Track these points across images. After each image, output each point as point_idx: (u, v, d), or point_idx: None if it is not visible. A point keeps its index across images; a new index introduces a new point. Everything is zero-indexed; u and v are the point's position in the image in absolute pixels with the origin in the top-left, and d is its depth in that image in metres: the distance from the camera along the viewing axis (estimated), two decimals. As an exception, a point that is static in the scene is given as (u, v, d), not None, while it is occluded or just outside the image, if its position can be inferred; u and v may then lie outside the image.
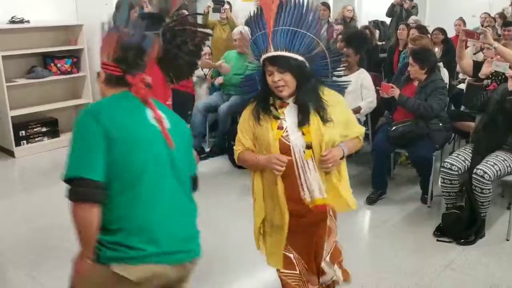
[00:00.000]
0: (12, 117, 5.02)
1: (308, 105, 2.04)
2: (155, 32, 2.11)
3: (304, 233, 2.21)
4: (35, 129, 5.25)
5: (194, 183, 1.83)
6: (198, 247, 1.76)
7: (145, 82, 1.65)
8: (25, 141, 5.22)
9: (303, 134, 2.04)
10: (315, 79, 2.09)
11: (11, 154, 5.13)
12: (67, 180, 1.49)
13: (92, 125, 1.52)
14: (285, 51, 1.99)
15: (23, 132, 5.20)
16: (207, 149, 5.28)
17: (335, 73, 2.20)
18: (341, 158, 2.10)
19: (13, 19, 5.00)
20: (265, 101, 2.11)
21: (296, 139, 2.05)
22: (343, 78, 2.24)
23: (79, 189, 1.48)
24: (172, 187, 1.64)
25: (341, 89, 2.25)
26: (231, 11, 6.31)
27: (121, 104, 1.62)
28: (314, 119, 2.04)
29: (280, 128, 2.06)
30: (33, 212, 3.93)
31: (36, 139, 5.28)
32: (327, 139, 2.03)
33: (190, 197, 1.77)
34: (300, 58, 2.02)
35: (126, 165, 1.53)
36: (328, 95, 2.10)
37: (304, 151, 2.04)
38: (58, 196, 2.92)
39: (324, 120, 2.03)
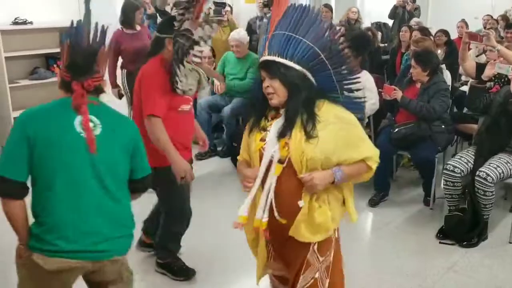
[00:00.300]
0: (14, 118, 5.00)
1: (293, 118, 1.86)
2: (168, 36, 2.18)
3: (283, 256, 2.06)
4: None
5: (140, 184, 1.96)
6: (119, 247, 1.87)
7: (92, 87, 1.80)
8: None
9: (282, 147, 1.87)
10: (312, 91, 1.87)
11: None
12: None
13: (19, 130, 1.74)
14: (278, 56, 1.85)
15: None
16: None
17: (346, 87, 1.96)
18: (333, 183, 1.88)
19: (16, 20, 5.01)
20: (261, 111, 1.98)
21: (274, 152, 1.88)
22: (357, 94, 2.00)
23: (2, 186, 1.72)
24: (91, 190, 1.77)
25: (358, 107, 2.03)
26: (231, 13, 6.32)
27: (54, 111, 1.81)
28: (298, 133, 1.84)
29: (262, 140, 1.92)
30: None
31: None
32: (309, 156, 1.82)
33: (117, 199, 1.84)
34: (295, 66, 1.84)
35: (43, 167, 1.73)
36: (329, 111, 1.88)
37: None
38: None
39: (308, 135, 1.83)
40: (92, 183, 1.77)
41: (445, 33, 5.92)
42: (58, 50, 4.96)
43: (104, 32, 1.86)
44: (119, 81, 4.94)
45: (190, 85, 2.60)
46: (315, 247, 1.97)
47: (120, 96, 4.81)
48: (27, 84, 5.13)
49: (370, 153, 1.92)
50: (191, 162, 2.82)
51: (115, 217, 1.84)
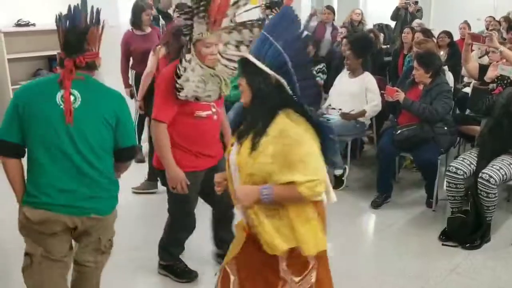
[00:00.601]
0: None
1: (250, 124, 1.78)
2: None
3: (253, 265, 1.90)
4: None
5: (124, 153, 2.19)
6: (97, 206, 2.12)
7: (83, 63, 2.04)
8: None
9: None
10: (280, 101, 1.76)
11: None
12: None
13: (13, 100, 2.07)
14: (253, 55, 1.78)
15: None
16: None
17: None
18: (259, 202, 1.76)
19: (19, 22, 5.04)
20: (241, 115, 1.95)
21: (233, 156, 1.85)
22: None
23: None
24: (67, 156, 2.02)
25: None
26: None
27: (42, 84, 2.15)
28: (248, 143, 1.76)
29: (232, 144, 1.90)
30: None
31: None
32: (248, 172, 1.75)
33: (96, 165, 2.07)
34: (267, 69, 1.73)
35: (27, 134, 2.03)
36: (279, 124, 1.74)
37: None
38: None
39: (252, 148, 1.73)
40: (69, 150, 2.02)
41: (448, 34, 5.91)
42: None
43: (98, 13, 2.09)
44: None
45: (209, 91, 2.55)
46: (284, 264, 1.83)
47: (131, 96, 4.83)
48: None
49: (301, 178, 1.69)
50: (212, 170, 2.59)
51: (94, 181, 2.08)
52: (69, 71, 2.00)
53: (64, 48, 2.04)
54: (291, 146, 1.71)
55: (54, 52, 5.22)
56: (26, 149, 2.08)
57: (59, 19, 2.04)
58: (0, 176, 2.15)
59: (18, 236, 2.16)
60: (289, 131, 1.73)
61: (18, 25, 5.03)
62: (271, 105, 1.76)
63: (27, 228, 2.09)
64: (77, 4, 2.12)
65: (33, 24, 5.12)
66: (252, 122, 1.78)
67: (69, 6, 2.06)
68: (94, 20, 2.07)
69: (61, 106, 1.99)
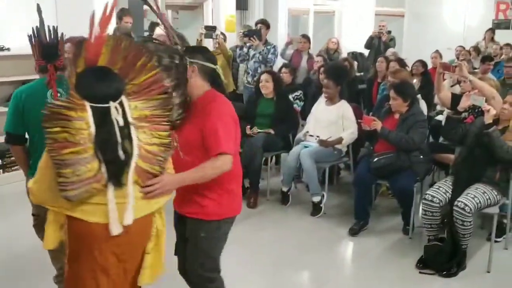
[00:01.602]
0: (-11, 144, 4.92)
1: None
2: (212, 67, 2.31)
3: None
4: (11, 158, 5.13)
5: None
6: None
7: (61, 65, 2.62)
8: (1, 170, 5.13)
9: None
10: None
11: (-13, 183, 5.01)
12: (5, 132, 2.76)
13: (13, 102, 2.71)
14: None
15: (0, 160, 5.09)
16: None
17: None
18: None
19: (-10, 47, 4.95)
20: None
21: None
22: None
23: (9, 138, 2.75)
24: None
25: None
26: (225, 40, 6.38)
27: (35, 86, 2.75)
28: None
29: None
30: (10, 238, 3.86)
31: (13, 168, 5.16)
32: None
33: None
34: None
35: (27, 126, 2.69)
36: None
37: None
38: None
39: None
40: None
41: (423, 63, 6.08)
42: (35, 77, 5.05)
43: (56, 29, 2.69)
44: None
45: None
46: None
47: None
48: (2, 110, 5.03)
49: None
50: None
51: None
52: (53, 73, 2.59)
53: (44, 57, 2.64)
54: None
55: (29, 77, 5.17)
56: (27, 137, 2.75)
57: (33, 35, 2.64)
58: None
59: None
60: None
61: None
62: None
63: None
64: (37, 26, 2.66)
65: (8, 49, 5.04)
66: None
67: (34, 28, 2.64)
68: (58, 34, 2.68)
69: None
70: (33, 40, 2.63)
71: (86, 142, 1.80)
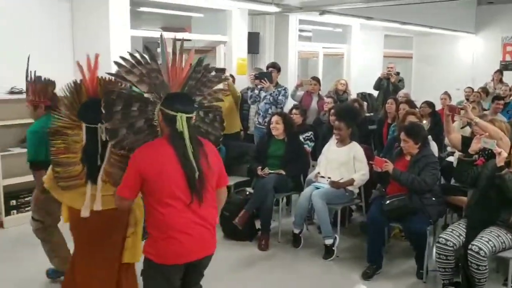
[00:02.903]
0: (4, 186, 4.99)
1: None
2: (189, 116, 2.44)
3: None
4: (26, 199, 5.19)
5: None
6: None
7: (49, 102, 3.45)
8: (15, 211, 5.17)
9: None
10: None
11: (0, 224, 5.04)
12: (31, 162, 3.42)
13: (37, 133, 3.32)
14: None
15: (14, 201, 5.16)
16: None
17: None
18: None
19: (12, 90, 5.09)
20: None
21: None
22: None
23: (33, 166, 3.40)
24: None
25: None
26: (234, 82, 6.51)
27: (45, 121, 3.20)
28: None
29: None
30: (21, 282, 3.85)
31: (27, 209, 5.20)
32: None
33: None
34: None
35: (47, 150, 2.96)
36: None
37: None
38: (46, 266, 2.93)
39: None
40: None
41: (429, 104, 6.13)
42: None
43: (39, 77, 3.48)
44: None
45: None
46: None
47: None
48: (18, 152, 5.12)
49: None
50: None
51: None
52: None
53: (41, 97, 3.45)
54: None
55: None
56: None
57: (31, 81, 3.45)
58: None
59: None
60: None
61: (11, 92, 5.09)
62: None
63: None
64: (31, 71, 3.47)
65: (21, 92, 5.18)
66: None
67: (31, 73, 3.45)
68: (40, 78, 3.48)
69: None
70: (31, 81, 3.43)
71: (77, 151, 2.72)
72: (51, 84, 3.54)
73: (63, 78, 6.10)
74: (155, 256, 2.40)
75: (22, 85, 5.15)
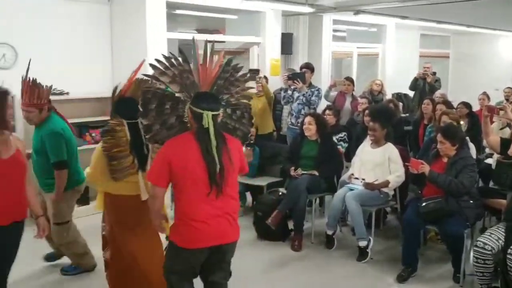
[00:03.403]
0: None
1: None
2: (214, 114, 2.61)
3: None
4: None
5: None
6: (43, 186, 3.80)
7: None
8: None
9: None
10: None
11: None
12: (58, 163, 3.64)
13: (60, 135, 3.65)
14: None
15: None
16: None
17: None
18: None
19: (53, 91, 5.26)
20: None
21: None
22: None
23: (60, 165, 3.62)
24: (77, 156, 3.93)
25: None
26: (267, 83, 6.53)
27: (60, 121, 3.76)
28: None
29: None
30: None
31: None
32: None
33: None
34: None
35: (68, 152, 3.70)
36: None
37: None
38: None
39: None
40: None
41: (466, 105, 5.99)
42: (91, 119, 5.64)
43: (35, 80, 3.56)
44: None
45: None
46: None
47: None
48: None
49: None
50: None
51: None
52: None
53: (45, 99, 3.63)
54: None
55: (85, 120, 5.48)
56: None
57: (35, 84, 3.53)
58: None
59: None
60: None
61: (53, 93, 5.24)
62: None
63: None
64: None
65: (67, 93, 5.36)
66: None
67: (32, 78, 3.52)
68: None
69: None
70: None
71: (125, 145, 3.03)
72: (46, 86, 3.67)
73: (102, 80, 6.37)
74: (177, 240, 2.66)
75: (63, 86, 5.41)
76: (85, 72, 5.73)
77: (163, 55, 2.74)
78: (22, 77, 3.52)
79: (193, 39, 2.83)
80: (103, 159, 3.02)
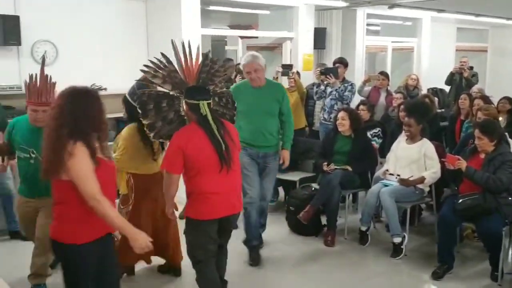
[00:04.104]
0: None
1: None
2: (208, 102, 2.98)
3: None
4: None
5: None
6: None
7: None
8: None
9: None
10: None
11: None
12: None
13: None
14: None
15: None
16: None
17: None
18: None
19: (92, 86, 5.40)
20: None
21: None
22: None
23: None
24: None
25: None
26: (299, 78, 6.52)
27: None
28: None
29: None
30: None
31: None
32: None
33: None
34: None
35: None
36: None
37: None
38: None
39: None
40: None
41: (510, 100, 5.82)
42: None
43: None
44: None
45: None
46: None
47: None
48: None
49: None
50: None
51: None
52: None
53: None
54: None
55: (121, 114, 5.60)
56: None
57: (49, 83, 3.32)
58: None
59: None
60: None
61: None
62: None
63: None
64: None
65: (105, 89, 5.47)
66: None
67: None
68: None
69: None
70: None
71: None
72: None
73: (138, 75, 6.45)
74: (194, 214, 3.01)
75: (101, 82, 5.55)
76: (122, 68, 5.85)
77: (150, 60, 3.08)
78: (32, 75, 3.27)
79: (172, 42, 3.09)
80: (134, 146, 3.47)
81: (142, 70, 3.05)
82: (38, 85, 3.26)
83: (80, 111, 2.35)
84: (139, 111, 3.05)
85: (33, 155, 3.31)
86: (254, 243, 4.22)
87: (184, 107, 3.03)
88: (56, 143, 2.29)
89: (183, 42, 3.07)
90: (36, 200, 3.36)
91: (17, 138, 3.39)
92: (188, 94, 3.00)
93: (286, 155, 4.22)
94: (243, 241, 4.25)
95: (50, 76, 3.32)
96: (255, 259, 4.18)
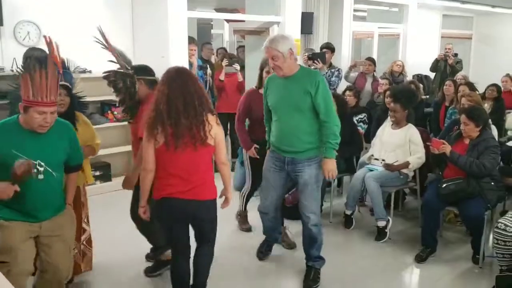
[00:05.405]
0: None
1: None
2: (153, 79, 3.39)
3: None
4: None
5: None
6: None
7: None
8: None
9: None
10: None
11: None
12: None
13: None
14: None
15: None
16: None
17: None
18: None
19: (75, 69, 5.32)
20: None
21: None
22: None
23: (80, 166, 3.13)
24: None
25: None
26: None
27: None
28: None
29: None
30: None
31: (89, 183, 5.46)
32: None
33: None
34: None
35: None
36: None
37: None
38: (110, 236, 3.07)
39: None
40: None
41: (498, 87, 5.88)
42: (111, 97, 5.57)
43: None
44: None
45: None
46: None
47: None
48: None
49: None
50: None
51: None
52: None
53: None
54: None
55: (107, 97, 5.53)
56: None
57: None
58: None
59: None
60: None
61: (74, 72, 5.31)
62: None
63: None
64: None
65: (90, 71, 5.40)
66: None
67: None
68: None
69: None
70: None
71: None
72: None
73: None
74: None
75: (86, 65, 5.47)
76: (107, 51, 5.76)
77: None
78: (35, 65, 2.55)
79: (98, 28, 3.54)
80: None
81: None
82: (48, 80, 2.50)
83: (201, 90, 2.85)
84: (112, 90, 3.44)
85: (40, 168, 2.57)
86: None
87: (140, 84, 3.34)
88: (199, 117, 2.75)
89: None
90: (39, 224, 2.66)
91: (5, 148, 2.51)
92: (145, 72, 3.39)
93: (326, 165, 3.43)
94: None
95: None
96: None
